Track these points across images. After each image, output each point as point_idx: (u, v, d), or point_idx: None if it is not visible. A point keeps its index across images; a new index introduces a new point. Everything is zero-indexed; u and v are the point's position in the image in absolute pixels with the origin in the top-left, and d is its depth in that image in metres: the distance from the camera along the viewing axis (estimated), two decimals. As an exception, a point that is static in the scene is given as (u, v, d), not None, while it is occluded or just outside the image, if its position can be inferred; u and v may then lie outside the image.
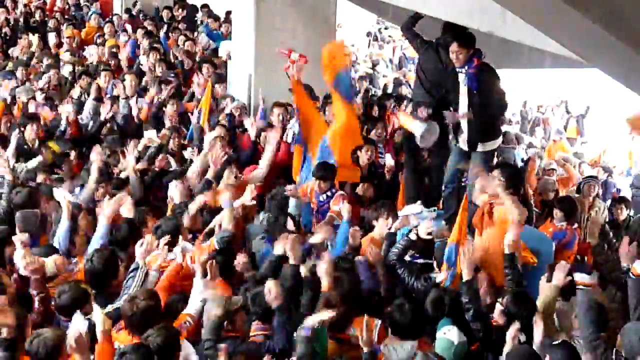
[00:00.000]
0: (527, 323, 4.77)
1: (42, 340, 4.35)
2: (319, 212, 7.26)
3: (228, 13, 14.87)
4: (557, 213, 7.48)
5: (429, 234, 5.79)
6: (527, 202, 7.40)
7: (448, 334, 4.71)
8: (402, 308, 4.83)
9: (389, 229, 6.29)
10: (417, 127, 7.10)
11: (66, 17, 15.23)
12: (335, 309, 4.71)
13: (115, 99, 9.97)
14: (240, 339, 4.85)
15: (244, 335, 4.94)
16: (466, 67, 6.59)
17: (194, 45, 13.03)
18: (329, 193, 7.27)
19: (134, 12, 15.44)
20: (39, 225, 6.27)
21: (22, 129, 8.63)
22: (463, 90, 6.69)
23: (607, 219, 8.83)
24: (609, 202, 9.59)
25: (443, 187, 7.29)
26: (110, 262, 5.39)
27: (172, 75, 11.41)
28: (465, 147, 6.83)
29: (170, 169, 8.07)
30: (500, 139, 6.96)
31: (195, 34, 14.24)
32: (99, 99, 9.99)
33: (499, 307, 5.02)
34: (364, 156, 8.37)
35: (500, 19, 6.69)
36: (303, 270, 5.32)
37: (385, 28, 23.15)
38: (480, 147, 6.71)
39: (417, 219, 6.19)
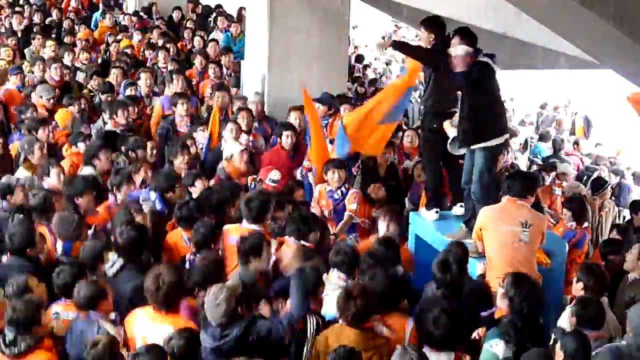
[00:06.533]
0: (530, 305, 4.75)
1: (100, 348, 4.31)
2: (335, 211, 7.30)
3: (241, 9, 14.84)
4: (565, 213, 7.53)
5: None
6: (538, 206, 7.40)
7: (495, 348, 4.63)
8: (438, 320, 4.63)
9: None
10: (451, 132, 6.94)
11: (79, 17, 15.29)
12: (356, 301, 4.70)
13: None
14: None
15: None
16: None
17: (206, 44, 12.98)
18: (342, 189, 7.32)
19: (142, 14, 15.49)
20: (75, 230, 6.10)
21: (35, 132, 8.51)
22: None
23: (616, 220, 8.79)
24: (627, 202, 9.53)
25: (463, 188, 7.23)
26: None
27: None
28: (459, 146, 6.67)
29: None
30: (502, 138, 6.65)
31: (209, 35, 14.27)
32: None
33: (500, 291, 4.98)
34: (381, 158, 8.25)
35: (514, 19, 6.68)
36: None
37: (398, 27, 23.14)
38: (476, 145, 6.34)
39: None
